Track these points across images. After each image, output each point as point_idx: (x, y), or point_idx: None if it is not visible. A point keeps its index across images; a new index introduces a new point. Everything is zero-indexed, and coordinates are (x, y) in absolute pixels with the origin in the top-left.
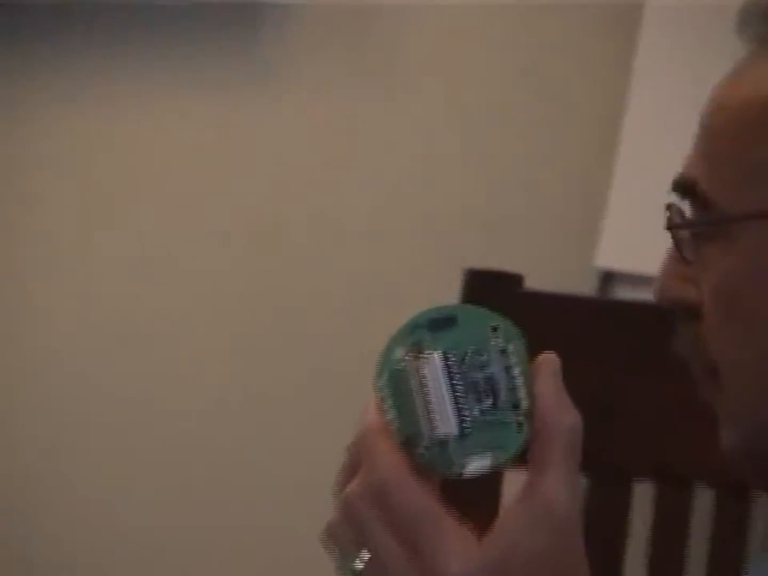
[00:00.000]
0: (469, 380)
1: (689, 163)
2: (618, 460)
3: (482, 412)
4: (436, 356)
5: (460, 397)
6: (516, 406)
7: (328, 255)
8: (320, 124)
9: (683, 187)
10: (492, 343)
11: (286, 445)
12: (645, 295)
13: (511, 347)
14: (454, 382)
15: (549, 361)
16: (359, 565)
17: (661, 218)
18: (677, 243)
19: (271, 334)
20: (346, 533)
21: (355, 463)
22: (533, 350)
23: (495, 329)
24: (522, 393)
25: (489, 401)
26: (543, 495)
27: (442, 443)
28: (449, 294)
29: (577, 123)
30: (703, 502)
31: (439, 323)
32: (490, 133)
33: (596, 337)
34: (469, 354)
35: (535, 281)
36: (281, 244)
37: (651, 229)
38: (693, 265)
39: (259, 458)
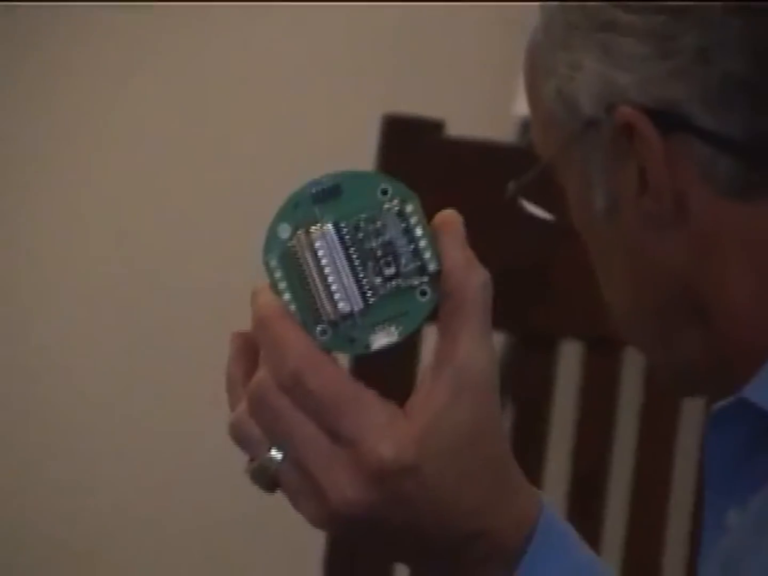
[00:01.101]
0: (366, 249)
1: None
2: (547, 321)
3: (384, 280)
4: (328, 229)
5: (359, 268)
6: (421, 270)
7: (244, 107)
8: None
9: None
10: (386, 206)
11: None
12: None
13: (408, 208)
14: (351, 253)
15: (450, 218)
16: (275, 460)
17: None
18: None
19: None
20: (256, 429)
21: (250, 350)
22: (457, 199)
23: (385, 192)
24: (426, 255)
25: (391, 269)
26: (461, 360)
27: (346, 319)
28: (371, 142)
29: None
30: (634, 366)
31: (324, 194)
32: None
33: None
34: (362, 221)
35: (454, 129)
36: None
37: None
38: None
39: None
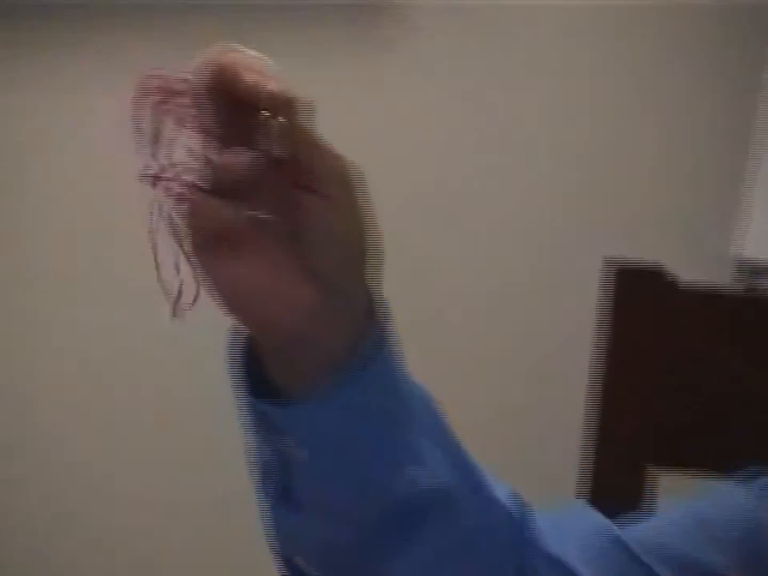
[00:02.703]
0: None
1: None
2: None
3: None
4: None
5: None
6: None
7: (461, 244)
8: (447, 106)
9: None
10: None
11: None
12: None
13: None
14: None
15: None
16: None
17: None
18: None
19: None
20: None
21: None
22: (680, 344)
23: None
24: None
25: None
26: None
27: None
28: (592, 288)
29: (708, 107)
30: None
31: None
32: (623, 121)
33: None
34: None
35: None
36: (414, 238)
37: None
38: None
39: None
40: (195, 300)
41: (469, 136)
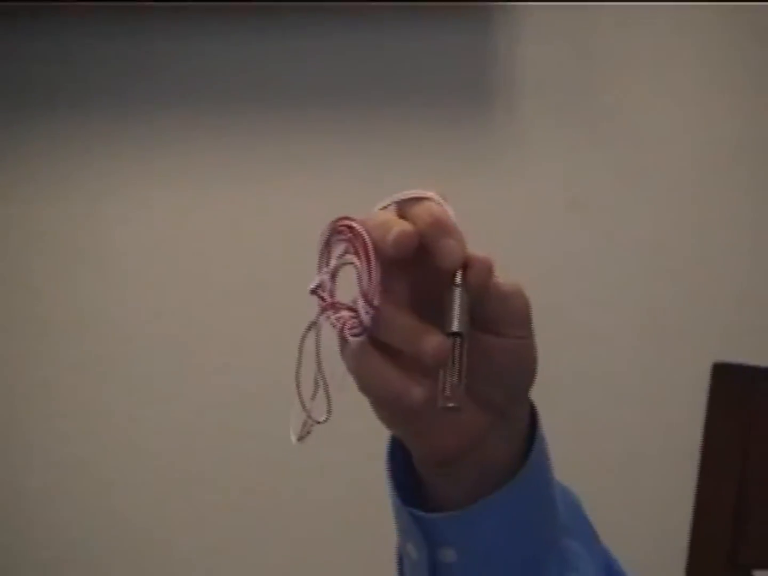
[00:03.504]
0: None
1: None
2: None
3: None
4: None
5: None
6: None
7: (555, 348)
8: (550, 201)
9: None
10: None
11: None
12: None
13: None
14: None
15: None
16: None
17: None
18: None
19: None
20: None
21: None
22: None
23: None
24: None
25: None
26: None
27: None
28: (699, 388)
29: None
30: None
31: None
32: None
33: None
34: None
35: None
36: None
37: None
38: None
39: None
40: (327, 419)
41: (574, 236)
